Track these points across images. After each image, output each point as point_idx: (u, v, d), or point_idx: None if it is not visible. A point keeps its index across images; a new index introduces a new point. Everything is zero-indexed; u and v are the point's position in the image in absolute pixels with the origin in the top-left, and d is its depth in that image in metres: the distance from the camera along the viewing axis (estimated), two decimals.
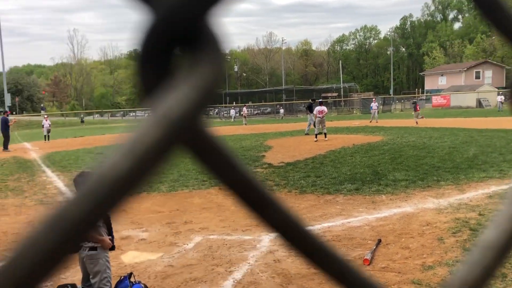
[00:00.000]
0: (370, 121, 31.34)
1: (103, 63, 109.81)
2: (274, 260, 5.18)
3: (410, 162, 11.90)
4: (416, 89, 76.91)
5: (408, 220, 6.67)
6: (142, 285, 4.27)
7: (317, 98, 40.38)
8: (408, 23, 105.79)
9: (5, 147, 21.93)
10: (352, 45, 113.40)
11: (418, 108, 30.34)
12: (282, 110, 57.29)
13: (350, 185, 9.30)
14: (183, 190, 9.70)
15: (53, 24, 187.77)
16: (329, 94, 73.65)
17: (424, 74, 74.60)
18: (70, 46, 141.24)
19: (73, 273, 4.94)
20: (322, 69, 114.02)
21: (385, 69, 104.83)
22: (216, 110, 72.41)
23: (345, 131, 24.39)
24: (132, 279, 4.28)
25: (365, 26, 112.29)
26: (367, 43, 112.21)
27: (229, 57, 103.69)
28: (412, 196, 8.18)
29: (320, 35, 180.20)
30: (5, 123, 22.46)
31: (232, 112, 54.99)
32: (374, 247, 5.44)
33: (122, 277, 4.30)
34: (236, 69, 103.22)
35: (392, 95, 69.82)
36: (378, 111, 33.47)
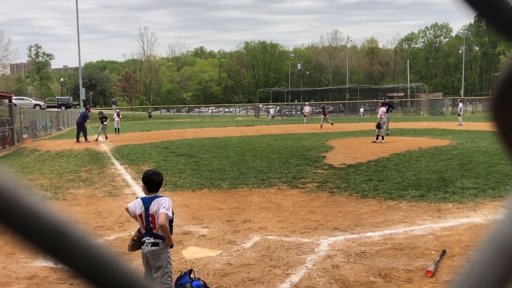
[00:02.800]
0: (459, 124, 29.68)
1: (171, 60, 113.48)
2: (332, 266, 5.12)
3: (480, 169, 11.27)
4: (490, 91, 72.47)
5: (477, 232, 6.32)
6: (202, 282, 4.38)
7: (381, 98, 39.27)
8: (484, 20, 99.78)
9: (77, 138, 23.52)
10: (421, 44, 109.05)
11: (326, 113, 33.10)
12: (362, 109, 54.85)
13: (414, 191, 8.97)
14: (243, 188, 9.83)
15: (127, 22, 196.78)
16: (395, 94, 71.30)
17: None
18: (140, 43, 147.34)
19: (137, 267, 5.16)
20: (388, 68, 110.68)
21: (455, 69, 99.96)
22: (278, 108, 72.59)
23: (411, 133, 23.54)
24: (192, 276, 4.40)
25: (436, 23, 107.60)
26: (437, 42, 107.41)
27: (292, 55, 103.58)
28: (482, 206, 7.74)
29: (388, 32, 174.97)
30: (84, 118, 24.05)
31: (271, 111, 53.89)
32: (438, 259, 5.21)
33: (183, 273, 4.43)
34: (299, 67, 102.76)
35: (462, 96, 66.37)
36: (461, 114, 31.49)
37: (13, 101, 24.74)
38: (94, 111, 43.02)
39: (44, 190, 10.22)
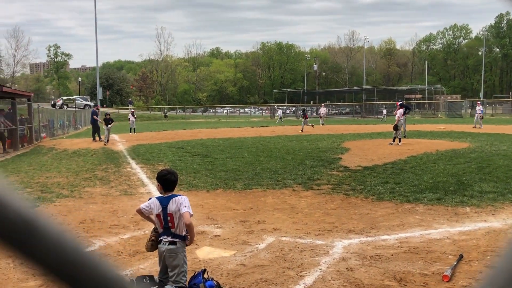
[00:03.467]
0: (474, 127, 29.33)
1: (187, 60, 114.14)
2: (346, 268, 5.06)
3: (499, 173, 11.06)
4: (511, 93, 71.21)
5: (495, 237, 6.19)
6: (215, 283, 4.37)
7: (398, 99, 38.83)
8: (505, 21, 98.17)
9: (94, 137, 23.79)
10: (440, 45, 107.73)
11: (307, 116, 32.27)
12: (385, 111, 52.98)
13: (431, 194, 8.84)
14: (257, 189, 9.81)
15: (144, 23, 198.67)
16: (413, 96, 70.59)
17: None
18: (157, 44, 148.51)
19: (151, 265, 5.19)
20: (406, 69, 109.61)
21: (475, 70, 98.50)
22: (293, 109, 72.42)
23: (429, 136, 23.24)
24: (205, 276, 4.39)
25: (455, 24, 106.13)
26: (456, 43, 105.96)
27: (308, 56, 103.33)
28: (501, 211, 7.59)
29: (405, 33, 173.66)
30: (92, 115, 24.34)
31: (279, 112, 52.49)
32: (455, 263, 5.12)
33: (196, 273, 4.43)
34: (315, 68, 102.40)
35: (482, 99, 65.34)
36: (481, 116, 30.99)
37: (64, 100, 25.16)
38: (103, 110, 43.71)
39: (61, 188, 10.35)
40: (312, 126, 31.42)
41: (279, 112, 52.30)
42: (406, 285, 4.61)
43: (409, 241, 6.06)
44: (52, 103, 61.54)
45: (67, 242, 0.35)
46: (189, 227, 4.24)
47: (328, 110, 65.05)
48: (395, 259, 5.36)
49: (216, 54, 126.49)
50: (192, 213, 4.27)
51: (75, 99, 64.70)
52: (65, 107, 60.40)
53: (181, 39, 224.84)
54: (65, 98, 66.93)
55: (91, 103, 59.20)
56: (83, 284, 0.36)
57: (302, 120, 31.32)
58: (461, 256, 5.35)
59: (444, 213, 7.49)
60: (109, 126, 22.80)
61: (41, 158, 16.96)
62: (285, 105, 76.33)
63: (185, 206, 4.22)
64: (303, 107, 45.27)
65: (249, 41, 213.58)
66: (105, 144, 21.43)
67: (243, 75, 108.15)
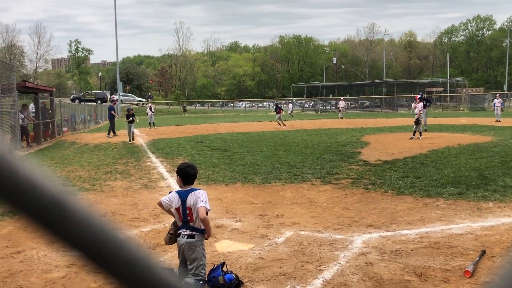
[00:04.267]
0: (496, 120, 28.77)
1: (206, 54, 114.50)
2: (366, 263, 5.03)
3: None
4: None
5: None
6: (234, 276, 4.39)
7: (418, 93, 38.19)
8: None
9: (109, 132, 23.94)
10: (462, 37, 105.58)
11: (280, 111, 29.50)
12: (414, 105, 52.13)
13: (452, 188, 8.70)
14: (275, 183, 9.80)
15: (163, 17, 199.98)
16: (434, 89, 69.47)
17: None
18: (176, 38, 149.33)
19: (171, 258, 5.24)
20: (427, 62, 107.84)
21: (499, 62, 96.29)
22: (312, 103, 72.04)
23: (450, 129, 22.86)
24: (224, 269, 4.42)
25: (478, 16, 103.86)
26: (480, 35, 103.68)
27: (327, 49, 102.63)
28: None
29: (427, 26, 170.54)
30: (109, 110, 24.53)
31: (290, 106, 51.14)
32: (477, 259, 5.03)
33: (215, 266, 4.47)
34: (334, 61, 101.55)
35: (506, 92, 63.93)
36: (502, 108, 30.40)
37: (117, 97, 25.59)
38: (124, 105, 44.23)
39: (82, 182, 10.53)
40: (284, 125, 28.22)
41: (290, 106, 51.20)
42: (426, 280, 4.56)
43: (429, 236, 5.98)
44: (110, 99, 64.42)
45: (95, 221, 0.36)
46: (203, 222, 4.25)
47: (348, 103, 64.52)
48: (415, 254, 5.30)
49: (234, 48, 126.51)
50: (209, 208, 4.29)
51: (127, 95, 67.27)
52: (119, 102, 63.70)
53: (200, 34, 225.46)
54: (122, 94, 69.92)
55: (144, 100, 60.55)
56: (111, 261, 0.37)
57: (276, 115, 29.14)
58: (484, 252, 5.26)
59: (466, 208, 7.37)
60: (130, 122, 20.98)
61: (63, 152, 17.27)
62: (303, 99, 75.99)
63: (202, 201, 4.24)
64: (277, 101, 41.20)
65: (267, 34, 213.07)
66: (130, 141, 20.40)
67: (261, 69, 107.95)
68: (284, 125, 28.42)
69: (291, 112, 48.46)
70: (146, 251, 0.38)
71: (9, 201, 0.34)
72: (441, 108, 56.70)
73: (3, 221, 7.17)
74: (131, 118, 21.04)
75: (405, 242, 5.75)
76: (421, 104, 19.89)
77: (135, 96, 69.14)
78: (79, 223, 0.36)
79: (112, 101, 29.75)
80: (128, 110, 22.00)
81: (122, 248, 0.37)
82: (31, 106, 22.41)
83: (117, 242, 0.37)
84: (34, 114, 21.28)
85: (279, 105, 31.68)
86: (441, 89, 70.21)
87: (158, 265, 0.39)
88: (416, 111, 19.71)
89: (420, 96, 21.86)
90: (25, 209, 0.35)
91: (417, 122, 18.59)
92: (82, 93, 67.15)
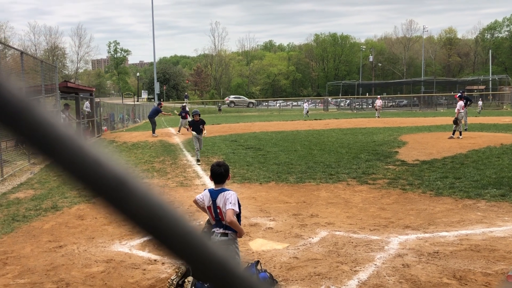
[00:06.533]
0: None
1: (240, 54, 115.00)
2: (402, 265, 4.93)
3: None
4: None
5: None
6: (268, 274, 4.40)
7: (458, 91, 36.99)
8: None
9: (153, 131, 24.37)
10: (506, 33, 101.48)
11: (187, 116, 23.76)
12: (481, 102, 47.61)
13: (494, 190, 8.39)
14: (310, 183, 9.74)
15: (199, 17, 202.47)
16: (475, 87, 67.21)
17: None
18: (211, 38, 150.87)
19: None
20: (468, 59, 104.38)
21: None
22: (348, 102, 71.12)
23: (492, 129, 22.06)
24: (258, 267, 4.43)
25: None
26: None
27: (364, 47, 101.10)
28: None
29: (468, 22, 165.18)
30: (156, 112, 24.82)
31: (305, 106, 47.78)
32: None
33: (250, 264, 4.48)
34: (371, 59, 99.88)
35: None
36: None
37: (231, 98, 26.29)
38: (167, 104, 45.01)
39: None
40: (188, 129, 19.01)
41: (306, 106, 48.03)
42: (466, 284, 4.42)
43: (469, 238, 5.80)
44: (227, 101, 72.50)
45: (153, 197, 0.40)
46: (231, 225, 4.26)
47: (385, 102, 63.28)
48: (454, 256, 5.15)
49: (269, 47, 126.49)
50: (237, 210, 4.28)
51: (238, 97, 73.99)
52: (232, 104, 70.15)
53: (235, 33, 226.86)
54: (232, 97, 75.84)
55: (254, 101, 62.43)
56: (165, 234, 0.41)
57: (181, 120, 25.44)
58: None
59: (509, 210, 7.10)
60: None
61: (102, 150, 17.74)
62: (339, 98, 75.15)
63: (230, 203, 4.25)
64: (183, 104, 34.42)
65: (302, 33, 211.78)
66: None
67: (296, 67, 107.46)
68: (188, 129, 18.87)
69: (307, 112, 45.59)
70: (200, 229, 0.42)
71: (77, 177, 0.38)
72: (482, 108, 54.79)
73: (46, 216, 7.45)
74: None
75: (443, 244, 5.59)
76: (461, 102, 19.28)
77: (245, 98, 72.72)
78: (139, 199, 0.40)
79: (159, 103, 29.61)
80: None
81: (177, 223, 0.42)
82: (86, 105, 23.76)
83: (173, 217, 0.41)
84: (89, 110, 23.01)
85: (185, 108, 26.43)
86: (482, 87, 67.86)
87: (207, 239, 0.42)
88: (455, 110, 19.09)
89: (460, 94, 21.18)
90: (91, 185, 0.38)
91: (456, 122, 18.03)
92: (234, 98, 72.98)
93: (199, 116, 13.66)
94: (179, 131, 25.09)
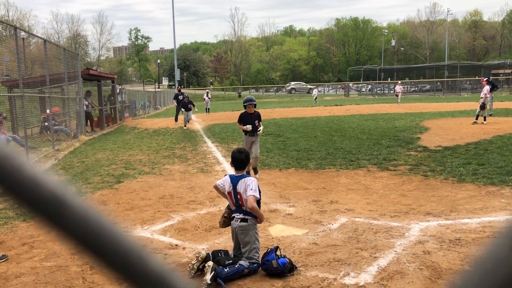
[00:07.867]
0: None
1: (260, 40, 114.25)
2: (423, 251, 4.90)
3: None
4: None
5: None
6: (287, 260, 4.43)
7: (483, 76, 36.07)
8: None
9: (176, 119, 24.12)
10: None
11: (192, 107, 21.33)
12: None
13: None
14: (330, 169, 9.71)
15: (219, 3, 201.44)
16: (501, 71, 65.42)
17: None
18: (231, 24, 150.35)
19: (226, 240, 5.36)
20: (494, 42, 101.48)
21: None
22: (370, 87, 70.20)
23: None
24: (278, 253, 4.47)
25: None
26: None
27: (386, 31, 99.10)
28: None
29: (494, 4, 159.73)
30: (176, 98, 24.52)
31: (315, 92, 46.25)
32: None
33: (269, 250, 4.52)
34: (393, 43, 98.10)
35: None
36: None
37: (292, 85, 25.12)
38: (188, 91, 45.00)
39: (142, 165, 10.95)
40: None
41: (315, 92, 46.52)
42: None
43: (493, 225, 5.71)
44: (288, 88, 74.23)
45: (92, 215, 0.41)
46: (252, 211, 4.29)
47: (407, 87, 62.18)
48: (476, 244, 5.09)
49: (289, 32, 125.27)
50: (258, 196, 4.31)
51: (299, 83, 75.37)
52: (293, 91, 71.42)
53: (255, 19, 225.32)
54: (293, 83, 77.25)
55: (313, 87, 63.18)
56: (106, 252, 0.42)
57: (184, 112, 21.61)
58: None
59: None
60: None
61: (124, 136, 18.01)
62: (360, 83, 74.22)
63: (251, 189, 4.28)
64: (183, 93, 26.52)
65: (323, 18, 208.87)
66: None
67: (316, 53, 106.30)
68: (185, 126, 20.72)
69: (316, 98, 44.26)
70: (139, 244, 0.43)
71: (14, 195, 0.39)
72: (508, 92, 53.35)
73: None
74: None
75: (465, 231, 5.53)
76: (487, 87, 18.82)
77: (307, 85, 74.05)
78: (76, 216, 0.40)
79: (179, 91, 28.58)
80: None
81: (116, 240, 0.42)
82: (85, 102, 23.17)
83: (111, 234, 0.42)
84: (89, 109, 22.21)
85: (185, 94, 22.35)
86: (509, 71, 65.99)
87: (150, 256, 0.43)
88: (482, 94, 18.64)
89: (487, 79, 20.65)
90: (28, 203, 0.40)
91: (483, 107, 17.64)
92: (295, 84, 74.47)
93: (255, 107, 9.07)
94: (185, 126, 20.81)
